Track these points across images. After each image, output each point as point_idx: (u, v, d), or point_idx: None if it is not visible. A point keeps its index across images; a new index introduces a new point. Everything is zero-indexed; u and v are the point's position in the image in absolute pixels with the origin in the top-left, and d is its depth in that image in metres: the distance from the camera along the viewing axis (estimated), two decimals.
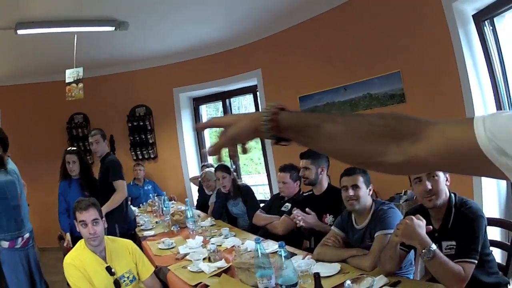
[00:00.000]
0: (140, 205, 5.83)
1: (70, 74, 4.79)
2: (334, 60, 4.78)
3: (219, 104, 6.79)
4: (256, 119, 0.82)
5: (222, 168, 4.25)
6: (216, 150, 0.87)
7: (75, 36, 4.68)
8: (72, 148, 4.38)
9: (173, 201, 5.62)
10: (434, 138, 0.65)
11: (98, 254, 2.53)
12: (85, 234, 2.47)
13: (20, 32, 4.42)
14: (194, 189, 6.31)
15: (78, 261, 2.46)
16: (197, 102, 6.94)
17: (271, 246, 2.77)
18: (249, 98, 6.41)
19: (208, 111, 7.16)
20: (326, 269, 2.13)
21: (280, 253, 1.91)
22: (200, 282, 2.33)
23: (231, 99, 6.67)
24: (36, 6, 4.10)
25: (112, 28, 4.71)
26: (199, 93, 6.70)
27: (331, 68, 4.82)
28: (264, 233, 3.40)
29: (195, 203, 5.75)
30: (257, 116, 0.82)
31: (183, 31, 5.31)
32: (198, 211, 4.86)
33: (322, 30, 4.86)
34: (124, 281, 2.51)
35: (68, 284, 2.49)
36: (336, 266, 2.15)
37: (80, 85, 4.78)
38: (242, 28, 5.35)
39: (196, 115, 6.97)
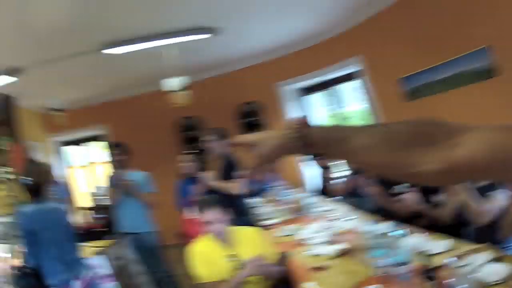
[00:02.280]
0: (261, 195, 6.06)
1: (173, 83, 5.18)
2: (430, 39, 4.56)
3: (324, 93, 6.77)
4: (286, 136, 0.80)
5: None
6: (251, 173, 0.87)
7: (172, 47, 5.03)
8: (188, 151, 4.77)
9: (292, 190, 5.74)
10: (475, 144, 0.60)
11: (223, 242, 2.73)
12: (213, 230, 2.69)
13: (114, 51, 4.95)
14: (310, 176, 6.40)
15: (203, 249, 2.71)
16: (304, 92, 7.05)
17: (387, 226, 2.72)
18: (352, 84, 6.28)
19: (314, 101, 7.19)
20: (437, 246, 2.12)
21: (394, 233, 1.91)
22: (321, 264, 2.39)
23: (336, 87, 6.64)
24: (135, 24, 4.56)
25: (208, 35, 4.98)
26: (304, 84, 6.79)
27: (429, 47, 4.60)
28: (386, 213, 3.34)
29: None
30: (287, 133, 0.80)
31: (277, 26, 5.40)
32: (318, 197, 4.92)
33: (416, 8, 4.64)
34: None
35: (191, 275, 2.72)
36: (447, 243, 2.12)
37: (186, 92, 5.13)
38: (336, 16, 5.30)
39: (303, 106, 7.10)
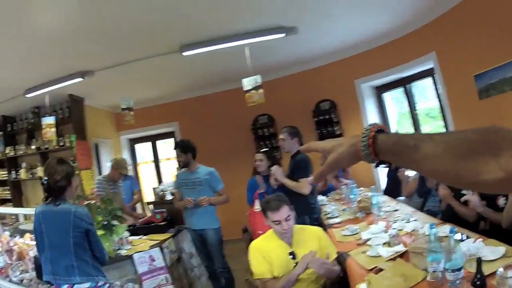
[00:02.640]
0: (328, 194, 6.07)
1: (248, 82, 5.31)
2: (503, 35, 4.28)
3: (400, 90, 6.60)
4: (354, 144, 0.83)
5: None
6: (319, 178, 0.91)
7: (247, 47, 5.17)
8: (262, 149, 4.90)
9: (361, 188, 5.68)
10: None
11: (285, 240, 2.80)
12: (279, 230, 2.74)
13: (192, 52, 5.18)
14: (382, 176, 6.27)
15: (263, 246, 2.79)
16: (379, 90, 6.94)
17: (446, 230, 2.64)
18: (427, 81, 6.06)
19: (390, 98, 7.05)
20: (492, 253, 2.04)
21: (450, 237, 1.87)
22: (376, 267, 2.40)
23: (411, 84, 6.46)
24: (210, 25, 4.75)
25: (283, 35, 5.05)
26: (380, 81, 6.69)
27: (503, 43, 4.32)
28: (451, 216, 3.24)
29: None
30: (355, 141, 0.83)
31: (352, 24, 5.38)
32: (385, 197, 4.84)
33: (489, 2, 4.40)
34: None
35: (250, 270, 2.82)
36: (501, 250, 2.04)
37: (260, 90, 5.25)
38: (410, 13, 5.16)
39: (380, 103, 6.98)
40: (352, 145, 0.83)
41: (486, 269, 1.78)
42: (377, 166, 0.85)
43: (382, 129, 0.82)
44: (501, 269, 1.61)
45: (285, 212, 2.72)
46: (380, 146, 0.79)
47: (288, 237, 2.80)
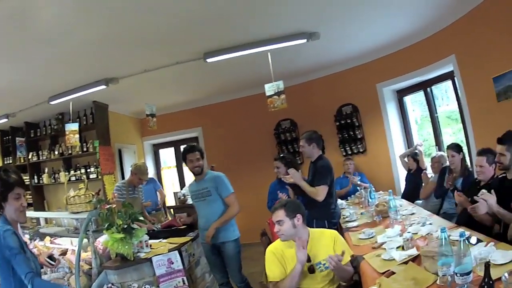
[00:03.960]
0: (348, 197, 6.07)
1: (270, 88, 5.34)
2: None
3: (421, 93, 6.55)
4: None
5: (453, 147, 4.41)
6: None
7: (269, 53, 5.22)
8: (279, 155, 4.92)
9: (380, 192, 5.66)
10: None
11: (300, 243, 2.84)
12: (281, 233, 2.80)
13: (216, 59, 5.26)
14: (402, 178, 6.24)
15: (278, 249, 2.83)
16: (400, 94, 6.91)
17: (459, 234, 2.62)
18: (447, 84, 6.02)
19: (411, 101, 7.04)
20: (502, 257, 2.03)
21: (460, 241, 1.87)
22: (388, 270, 2.40)
23: (432, 87, 6.40)
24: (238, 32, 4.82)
25: (304, 41, 5.08)
26: (401, 85, 6.66)
27: None
28: (466, 219, 3.22)
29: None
30: None
31: (373, 29, 5.38)
32: (403, 200, 4.82)
33: (508, 4, 4.28)
34: (320, 267, 2.75)
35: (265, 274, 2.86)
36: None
37: (282, 96, 5.27)
38: (429, 17, 5.12)
39: (401, 107, 6.96)
40: None
41: (496, 273, 1.76)
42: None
43: None
44: (506, 275, 1.60)
45: (279, 216, 2.79)
46: None
47: (303, 240, 2.82)
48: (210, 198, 4.09)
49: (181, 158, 4.44)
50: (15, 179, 2.38)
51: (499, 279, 1.71)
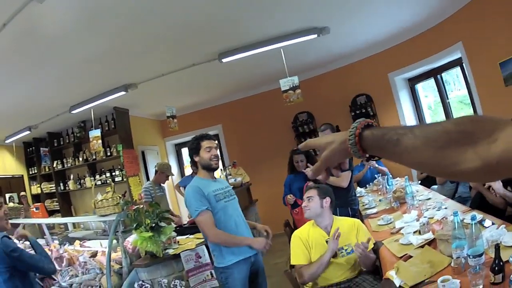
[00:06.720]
0: (367, 185, 6.15)
1: (285, 83, 5.45)
2: None
3: (432, 81, 6.61)
4: (343, 142, 0.85)
5: None
6: (316, 173, 0.94)
7: (282, 49, 5.32)
8: (294, 148, 5.03)
9: (397, 178, 5.73)
10: (510, 138, 0.59)
11: (324, 229, 3.00)
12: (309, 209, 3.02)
13: (231, 58, 5.39)
14: None
15: (303, 234, 3.01)
16: (412, 82, 6.99)
17: (472, 217, 2.71)
18: (458, 70, 6.07)
19: (422, 89, 7.10)
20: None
21: (472, 224, 1.97)
22: (406, 254, 2.51)
23: (442, 74, 6.45)
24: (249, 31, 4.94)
25: (315, 36, 5.17)
26: (412, 73, 6.75)
27: None
28: (478, 203, 3.30)
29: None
30: (344, 139, 0.85)
31: (382, 20, 5.46)
32: (419, 186, 4.89)
33: None
34: (342, 252, 2.89)
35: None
36: None
37: (298, 91, 5.38)
38: (436, 5, 5.16)
39: (414, 94, 7.03)
40: (341, 143, 0.86)
41: (507, 255, 1.86)
42: (367, 160, 0.87)
43: (369, 124, 0.84)
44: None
45: (311, 193, 3.05)
46: (366, 142, 0.81)
47: (326, 226, 3.01)
48: (235, 197, 3.40)
49: None
50: None
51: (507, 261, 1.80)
